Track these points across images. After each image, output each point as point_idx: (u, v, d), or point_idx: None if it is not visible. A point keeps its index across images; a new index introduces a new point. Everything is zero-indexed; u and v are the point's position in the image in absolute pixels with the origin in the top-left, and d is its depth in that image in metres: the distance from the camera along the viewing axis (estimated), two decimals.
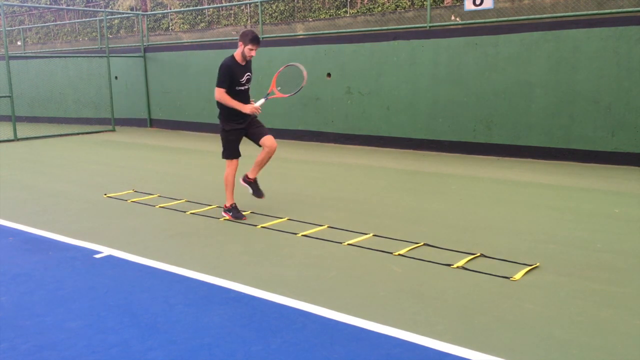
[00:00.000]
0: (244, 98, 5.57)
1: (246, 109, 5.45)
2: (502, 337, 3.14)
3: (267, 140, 5.63)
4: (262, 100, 5.56)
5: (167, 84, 14.65)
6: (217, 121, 5.75)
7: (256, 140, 5.70)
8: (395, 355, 2.95)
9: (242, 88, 5.55)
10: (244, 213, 5.78)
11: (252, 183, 5.86)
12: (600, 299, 3.65)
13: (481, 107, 9.57)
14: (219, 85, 5.44)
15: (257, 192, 5.86)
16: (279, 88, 5.80)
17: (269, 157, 5.70)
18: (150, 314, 3.49)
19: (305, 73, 5.73)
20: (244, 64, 5.53)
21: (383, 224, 5.43)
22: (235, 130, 5.62)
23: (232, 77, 5.42)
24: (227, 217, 5.70)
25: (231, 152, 5.68)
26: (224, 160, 5.75)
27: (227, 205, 5.75)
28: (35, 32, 25.18)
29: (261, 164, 5.75)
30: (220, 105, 5.57)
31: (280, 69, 5.91)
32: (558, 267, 4.23)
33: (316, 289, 3.88)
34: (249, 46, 5.41)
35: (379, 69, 10.68)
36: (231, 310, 3.53)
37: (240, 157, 5.75)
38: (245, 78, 5.53)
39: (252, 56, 5.47)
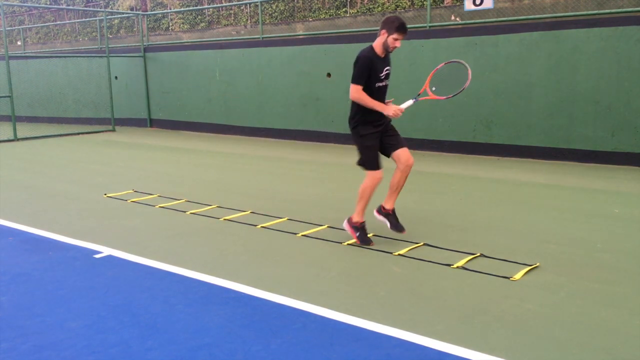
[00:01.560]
0: (382, 96, 4.74)
1: (389, 110, 4.58)
2: (502, 337, 3.14)
3: (403, 154, 4.72)
4: (409, 102, 4.68)
5: (167, 84, 14.65)
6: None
7: (389, 150, 4.78)
8: (395, 355, 2.95)
9: (382, 84, 4.71)
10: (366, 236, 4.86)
11: (390, 215, 4.91)
12: (600, 299, 3.65)
13: (481, 107, 9.57)
14: (356, 81, 4.59)
15: (397, 226, 4.88)
16: (433, 88, 4.89)
17: (405, 177, 4.77)
18: (150, 314, 3.49)
19: (470, 72, 4.77)
20: (383, 56, 4.69)
21: (383, 224, 5.43)
22: (373, 134, 4.72)
23: (371, 72, 4.59)
24: (352, 236, 4.86)
25: (373, 161, 4.73)
26: (365, 171, 4.80)
27: (355, 221, 4.84)
28: (35, 32, 25.19)
29: (397, 188, 4.82)
30: (355, 105, 4.73)
31: (438, 66, 4.96)
32: (558, 267, 4.23)
33: (316, 289, 3.88)
34: (394, 35, 4.55)
35: None
36: (231, 310, 3.53)
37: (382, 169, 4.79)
38: (384, 73, 4.70)
39: (395, 47, 4.62)
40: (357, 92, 4.61)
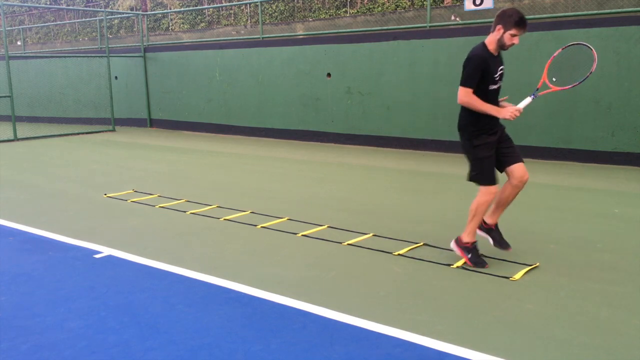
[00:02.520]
0: (495, 99, 4.24)
1: (504, 113, 4.06)
2: (502, 337, 3.14)
3: (519, 169, 4.24)
4: (527, 100, 4.14)
5: (167, 84, 14.65)
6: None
7: (503, 164, 4.28)
8: (395, 355, 2.95)
9: (495, 87, 4.17)
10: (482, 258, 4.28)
11: (494, 231, 4.42)
12: (600, 299, 3.65)
13: None
14: (466, 83, 4.06)
15: (501, 243, 4.38)
16: (553, 79, 4.35)
17: (516, 194, 4.29)
18: (150, 314, 3.49)
19: (595, 53, 4.24)
20: (496, 54, 4.16)
21: (383, 224, 5.43)
22: (488, 144, 4.18)
23: (485, 73, 4.06)
24: (463, 258, 4.28)
25: (488, 174, 4.20)
26: (478, 185, 4.30)
27: (466, 241, 4.29)
28: (35, 32, 25.18)
29: (505, 204, 4.35)
30: (466, 111, 4.18)
31: (555, 53, 4.39)
32: (558, 267, 4.23)
33: (316, 289, 3.88)
34: (512, 31, 4.02)
35: (379, 69, 10.67)
36: (231, 310, 3.53)
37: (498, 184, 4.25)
38: (499, 73, 4.16)
39: (513, 45, 4.07)
40: (467, 96, 4.07)
